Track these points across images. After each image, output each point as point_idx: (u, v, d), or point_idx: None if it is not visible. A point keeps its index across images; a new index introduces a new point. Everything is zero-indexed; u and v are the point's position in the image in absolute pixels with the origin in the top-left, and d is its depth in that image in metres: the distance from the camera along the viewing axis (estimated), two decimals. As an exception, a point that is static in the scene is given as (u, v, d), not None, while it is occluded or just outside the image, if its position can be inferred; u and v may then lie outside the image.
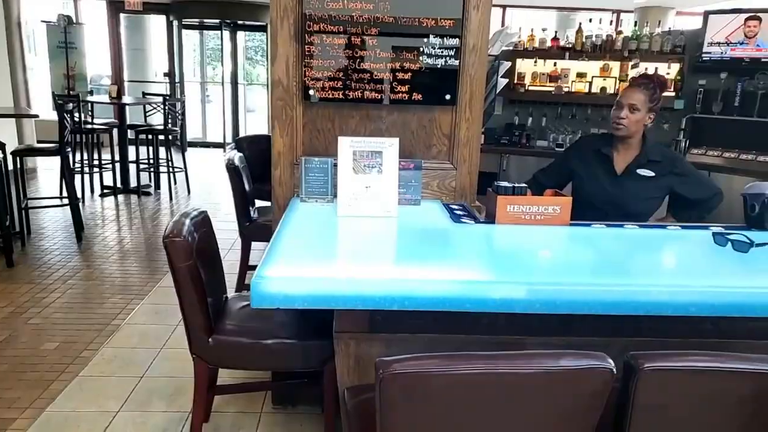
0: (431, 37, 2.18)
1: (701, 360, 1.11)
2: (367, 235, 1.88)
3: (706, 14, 4.79)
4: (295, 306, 1.41)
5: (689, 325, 1.59)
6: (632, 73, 4.94)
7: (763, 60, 4.53)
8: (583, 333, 1.61)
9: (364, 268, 1.57)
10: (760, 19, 4.56)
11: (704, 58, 4.79)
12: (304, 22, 2.16)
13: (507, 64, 2.38)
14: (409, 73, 2.22)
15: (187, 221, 2.04)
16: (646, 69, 4.97)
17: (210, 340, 1.97)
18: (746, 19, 4.60)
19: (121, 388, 2.64)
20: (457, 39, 2.19)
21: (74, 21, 8.44)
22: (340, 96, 2.22)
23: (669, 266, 1.72)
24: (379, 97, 2.24)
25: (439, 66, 2.22)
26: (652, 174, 2.46)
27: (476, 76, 2.25)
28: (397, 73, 2.22)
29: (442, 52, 2.20)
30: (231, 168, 3.34)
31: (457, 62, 2.22)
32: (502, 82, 2.37)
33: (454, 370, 1.06)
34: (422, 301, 1.40)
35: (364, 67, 2.21)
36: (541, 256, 1.74)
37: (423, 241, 1.84)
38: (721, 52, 4.71)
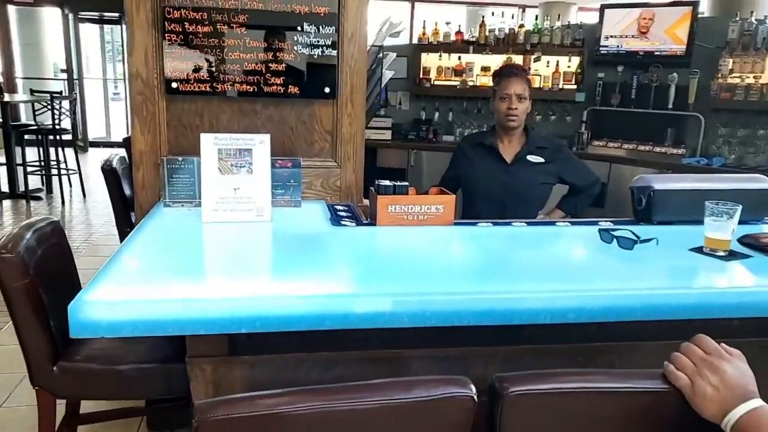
0: (306, 25, 2.01)
1: (569, 380, 1.00)
2: (232, 245, 1.68)
3: (603, 8, 4.90)
4: (123, 334, 1.19)
5: (574, 330, 1.51)
6: (535, 66, 4.98)
7: (656, 53, 4.67)
8: (465, 343, 1.50)
9: (216, 284, 1.38)
10: (653, 14, 4.70)
11: (602, 52, 4.89)
12: (162, 8, 1.93)
13: (392, 56, 2.27)
14: (284, 65, 2.04)
15: (28, 234, 1.78)
16: (548, 63, 5.03)
17: (55, 368, 1.72)
18: (639, 14, 4.72)
19: (-30, 425, 2.31)
20: (334, 27, 2.03)
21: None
22: (207, 89, 2.01)
23: (550, 269, 1.61)
24: (252, 89, 2.04)
25: (316, 56, 2.05)
26: (542, 160, 2.49)
27: (356, 68, 2.10)
28: (270, 64, 2.03)
29: (318, 41, 2.03)
30: (107, 170, 3.02)
31: (335, 52, 2.05)
32: (388, 74, 2.25)
33: (286, 410, 0.89)
34: (277, 322, 1.23)
35: (233, 57, 2.00)
36: (417, 262, 1.60)
37: (293, 248, 1.66)
38: (617, 46, 4.82)
